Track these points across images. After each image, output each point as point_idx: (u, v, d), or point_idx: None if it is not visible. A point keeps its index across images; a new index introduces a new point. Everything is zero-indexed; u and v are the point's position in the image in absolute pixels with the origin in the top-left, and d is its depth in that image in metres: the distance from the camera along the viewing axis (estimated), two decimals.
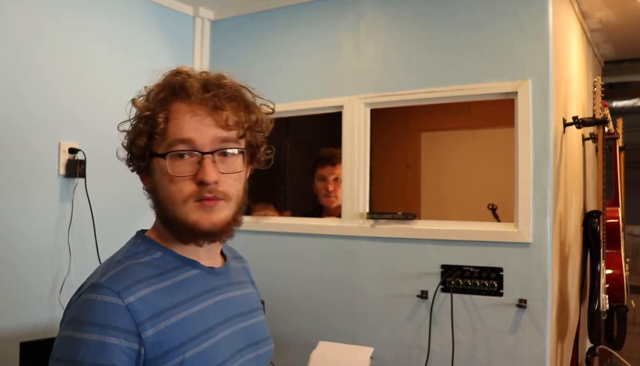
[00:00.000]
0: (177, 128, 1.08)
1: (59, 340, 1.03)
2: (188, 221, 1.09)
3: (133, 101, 1.16)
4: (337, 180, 3.09)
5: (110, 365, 0.96)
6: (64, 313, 1.09)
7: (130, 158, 1.15)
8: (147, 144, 1.11)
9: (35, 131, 2.45)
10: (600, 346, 2.81)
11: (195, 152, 1.08)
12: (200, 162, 1.08)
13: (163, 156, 1.08)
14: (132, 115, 1.15)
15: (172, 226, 1.11)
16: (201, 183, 1.07)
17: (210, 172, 1.07)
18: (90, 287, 1.03)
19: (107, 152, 2.72)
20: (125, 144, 1.15)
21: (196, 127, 1.08)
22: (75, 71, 2.61)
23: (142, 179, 1.17)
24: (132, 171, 1.17)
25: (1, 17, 2.33)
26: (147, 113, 1.10)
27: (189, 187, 1.08)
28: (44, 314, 2.45)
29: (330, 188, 3.10)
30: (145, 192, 1.17)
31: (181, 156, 1.08)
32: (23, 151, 2.41)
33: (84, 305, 1.01)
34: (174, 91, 1.11)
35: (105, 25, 2.75)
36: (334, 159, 3.09)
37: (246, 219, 3.09)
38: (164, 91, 1.12)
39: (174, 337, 1.03)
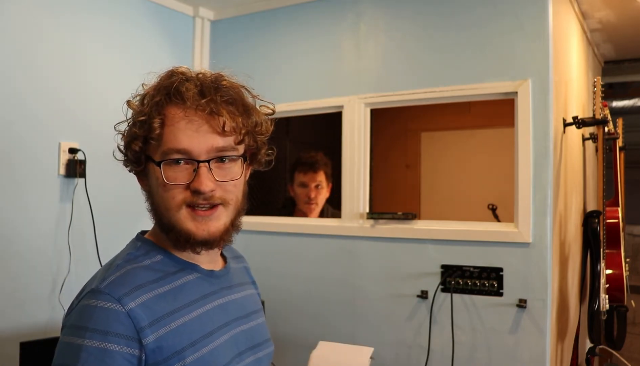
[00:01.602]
0: (172, 136, 1.05)
1: (60, 346, 1.01)
2: (183, 230, 1.07)
3: (128, 103, 1.13)
4: (318, 187, 3.05)
5: None
6: (64, 318, 1.07)
7: (126, 161, 1.13)
8: (143, 148, 1.09)
9: (35, 131, 2.45)
10: (600, 346, 2.81)
11: (191, 160, 1.06)
12: (195, 171, 1.06)
13: (158, 163, 1.06)
14: (128, 116, 1.13)
15: (168, 233, 1.10)
16: (196, 192, 1.05)
17: (205, 182, 1.05)
18: (90, 293, 1.03)
19: (107, 152, 2.70)
20: (120, 147, 1.13)
21: (192, 135, 1.05)
22: (75, 70, 2.61)
23: (140, 181, 1.15)
24: (130, 171, 1.16)
25: (1, 17, 2.33)
26: (142, 118, 1.07)
27: (182, 194, 1.06)
28: (44, 314, 2.45)
29: (312, 195, 3.04)
30: (144, 193, 1.15)
31: (177, 162, 1.06)
32: (23, 151, 2.41)
33: (84, 311, 1.00)
34: (169, 94, 1.07)
35: (105, 25, 2.75)
36: (317, 166, 3.04)
37: (246, 219, 3.10)
38: (159, 94, 1.08)
39: (174, 343, 1.03)
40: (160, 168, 1.06)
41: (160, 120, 1.06)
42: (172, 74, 1.11)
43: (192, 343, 1.05)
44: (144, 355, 0.99)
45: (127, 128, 1.11)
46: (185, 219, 1.07)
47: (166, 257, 1.13)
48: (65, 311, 1.09)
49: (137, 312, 1.00)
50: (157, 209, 1.10)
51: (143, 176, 1.13)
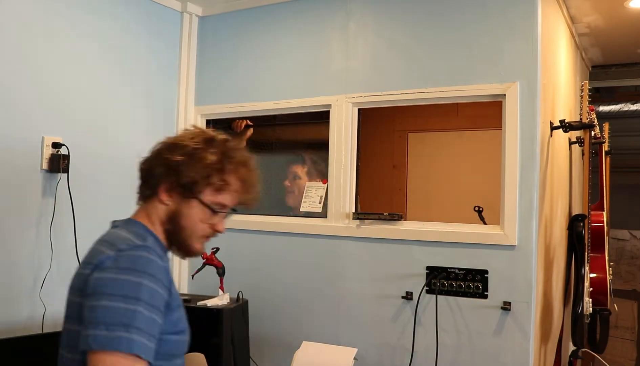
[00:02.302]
0: (230, 197, 1.47)
1: (116, 281, 1.25)
2: (192, 248, 1.48)
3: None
4: None
5: (156, 307, 1.28)
6: (99, 261, 1.29)
7: (175, 179, 1.42)
8: (200, 184, 1.41)
9: (19, 125, 2.40)
10: (583, 349, 2.82)
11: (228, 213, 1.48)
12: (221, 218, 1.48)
13: (212, 210, 1.45)
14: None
15: (173, 243, 1.47)
16: (216, 231, 1.50)
17: (224, 227, 1.51)
18: (140, 247, 1.32)
19: (91, 147, 2.69)
20: (178, 166, 1.40)
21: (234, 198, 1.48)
22: (59, 64, 2.57)
23: (167, 192, 1.43)
24: (164, 185, 1.43)
25: None
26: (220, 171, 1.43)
27: (207, 230, 1.48)
28: (24, 311, 2.41)
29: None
30: (163, 200, 1.43)
31: (220, 212, 1.47)
32: (5, 145, 2.36)
33: (139, 259, 1.30)
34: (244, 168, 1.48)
35: (91, 20, 2.71)
36: None
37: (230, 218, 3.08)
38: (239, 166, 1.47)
39: (173, 301, 1.38)
40: (209, 211, 1.45)
41: (234, 180, 1.45)
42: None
43: (178, 305, 1.41)
44: (168, 304, 1.33)
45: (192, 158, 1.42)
46: (198, 243, 1.49)
47: (157, 241, 1.45)
48: (76, 285, 1.34)
49: (167, 271, 1.36)
50: (180, 227, 1.45)
51: (177, 193, 1.44)
